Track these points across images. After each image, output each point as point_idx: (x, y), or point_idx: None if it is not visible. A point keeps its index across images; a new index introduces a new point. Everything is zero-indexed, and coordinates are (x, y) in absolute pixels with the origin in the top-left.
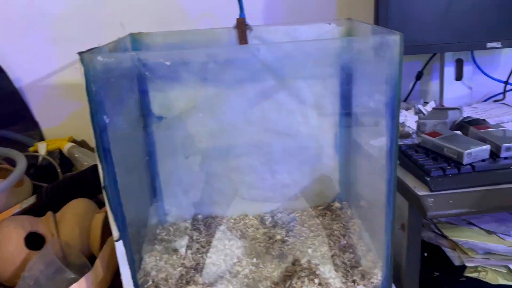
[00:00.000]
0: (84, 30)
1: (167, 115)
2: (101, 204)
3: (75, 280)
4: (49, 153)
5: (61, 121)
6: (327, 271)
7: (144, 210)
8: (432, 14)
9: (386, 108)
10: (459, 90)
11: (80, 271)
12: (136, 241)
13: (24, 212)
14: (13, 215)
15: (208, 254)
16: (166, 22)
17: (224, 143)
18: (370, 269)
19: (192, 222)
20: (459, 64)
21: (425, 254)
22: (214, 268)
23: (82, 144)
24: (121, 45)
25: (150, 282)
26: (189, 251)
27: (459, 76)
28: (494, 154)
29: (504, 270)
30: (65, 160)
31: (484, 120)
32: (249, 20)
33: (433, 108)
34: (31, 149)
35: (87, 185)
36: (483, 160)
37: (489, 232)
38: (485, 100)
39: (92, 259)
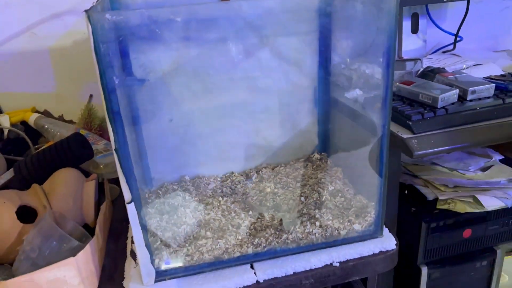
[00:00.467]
0: None
1: (149, 77)
2: (85, 174)
3: (78, 248)
4: (12, 125)
5: (20, 91)
6: (324, 214)
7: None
8: None
9: (383, 57)
10: (415, 43)
11: (78, 240)
12: None
13: (3, 187)
14: None
15: (206, 211)
16: None
17: (208, 104)
18: (362, 209)
19: (180, 184)
20: (415, 18)
21: (406, 192)
22: (216, 223)
23: (45, 114)
24: (105, 5)
25: (159, 242)
26: (187, 210)
27: (415, 29)
28: (461, 98)
29: (470, 200)
30: (31, 131)
31: (443, 68)
32: None
33: (396, 60)
34: None
35: (69, 155)
36: (453, 103)
37: (451, 169)
38: (435, 51)
39: (84, 227)
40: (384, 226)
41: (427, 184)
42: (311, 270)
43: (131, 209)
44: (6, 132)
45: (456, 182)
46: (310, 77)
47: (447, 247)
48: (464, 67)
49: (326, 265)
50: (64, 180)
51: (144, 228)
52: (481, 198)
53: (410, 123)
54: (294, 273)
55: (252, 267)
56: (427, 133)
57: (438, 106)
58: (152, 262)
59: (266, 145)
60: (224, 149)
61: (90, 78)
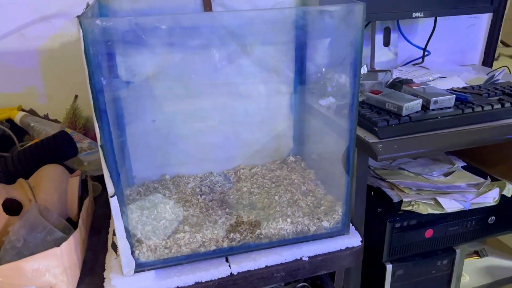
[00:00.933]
0: None
1: (134, 80)
2: (69, 170)
3: (62, 239)
4: None
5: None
6: (295, 211)
7: None
8: None
9: (350, 68)
10: (387, 55)
11: (62, 232)
12: None
13: None
14: None
15: (185, 208)
16: None
17: (190, 107)
18: (331, 208)
19: (161, 182)
20: (387, 31)
21: (372, 193)
22: (194, 219)
23: (31, 113)
24: (94, 11)
25: (139, 235)
26: (167, 206)
27: (386, 43)
28: (425, 107)
29: (432, 202)
30: (16, 129)
31: (411, 79)
32: None
33: (368, 71)
34: None
35: (55, 152)
36: (416, 112)
37: (416, 174)
38: (406, 64)
39: (67, 221)
40: (351, 224)
41: (393, 187)
42: (282, 263)
43: (114, 202)
44: None
45: (419, 186)
46: (286, 84)
47: (410, 246)
48: (430, 79)
49: (296, 259)
50: (49, 175)
51: (126, 221)
52: (442, 200)
53: (376, 129)
54: (266, 266)
55: (227, 260)
56: (391, 138)
57: (403, 114)
58: (132, 253)
59: (244, 147)
60: (204, 150)
61: (76, 79)
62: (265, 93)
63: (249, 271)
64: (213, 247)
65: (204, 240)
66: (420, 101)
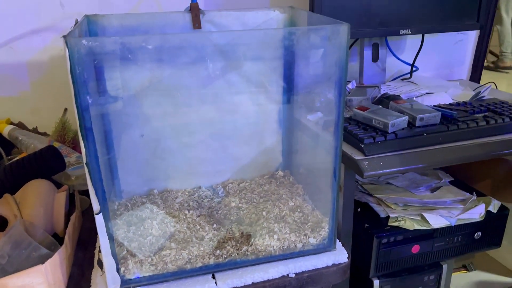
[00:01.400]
0: (22, 8)
1: (122, 95)
2: (57, 185)
3: (47, 256)
4: None
5: None
6: (282, 228)
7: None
8: (357, 5)
9: (335, 86)
10: (375, 70)
11: (47, 249)
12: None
13: None
14: None
15: (172, 224)
16: (107, 2)
17: (179, 121)
18: (317, 224)
19: (149, 197)
20: (375, 47)
21: (358, 209)
22: (181, 235)
23: (20, 126)
24: (82, 28)
25: (125, 251)
26: (154, 222)
27: (375, 58)
28: (411, 124)
29: (418, 218)
30: (4, 142)
31: (398, 95)
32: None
33: (356, 86)
34: None
35: (42, 166)
36: (402, 129)
37: (403, 189)
38: (394, 79)
39: (53, 236)
40: (337, 240)
41: (380, 203)
42: (268, 280)
43: (99, 219)
44: None
45: (406, 201)
46: (275, 99)
47: (397, 261)
48: (418, 95)
49: (283, 276)
50: (36, 191)
51: (111, 237)
52: (428, 216)
53: (363, 145)
54: (253, 283)
55: (213, 277)
56: (377, 155)
57: (389, 131)
58: (118, 270)
59: (233, 162)
60: (193, 164)
61: (65, 92)
62: (253, 108)
63: None
64: (200, 264)
65: (190, 257)
66: (406, 118)
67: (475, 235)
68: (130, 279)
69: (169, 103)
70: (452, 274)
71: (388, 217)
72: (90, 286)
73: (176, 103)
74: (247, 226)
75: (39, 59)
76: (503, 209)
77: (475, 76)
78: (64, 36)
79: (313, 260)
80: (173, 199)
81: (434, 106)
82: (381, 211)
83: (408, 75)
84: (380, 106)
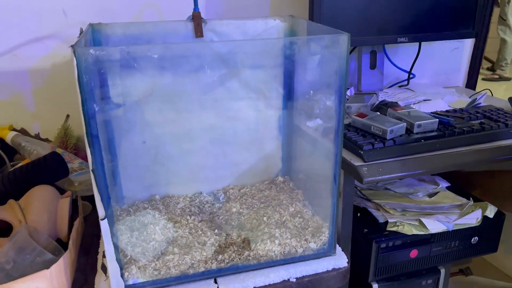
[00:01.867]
0: (26, 16)
1: (125, 102)
2: (60, 191)
3: (51, 261)
4: None
5: None
6: (283, 233)
7: None
8: (355, 14)
9: (335, 94)
10: (373, 77)
11: (51, 254)
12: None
13: None
14: None
15: (174, 229)
16: (110, 10)
17: (180, 128)
18: (318, 229)
19: (150, 203)
20: (373, 55)
21: (358, 214)
22: (183, 240)
23: (22, 132)
24: (87, 36)
25: (129, 257)
26: (156, 227)
27: (373, 66)
28: (409, 130)
29: (416, 223)
30: (7, 148)
31: (396, 102)
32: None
33: (355, 93)
34: None
35: (46, 173)
36: (400, 135)
37: (401, 194)
38: (392, 85)
39: (57, 241)
40: (337, 245)
41: (379, 208)
42: (269, 285)
43: (104, 225)
44: None
45: (404, 207)
46: (275, 106)
47: (395, 266)
48: (415, 102)
49: (284, 281)
50: (40, 197)
51: (116, 243)
52: (426, 221)
53: (362, 152)
54: (254, 287)
55: (215, 281)
56: (376, 161)
57: (387, 138)
58: (122, 275)
59: (234, 168)
60: (194, 170)
61: (67, 98)
62: (254, 115)
63: None
64: (202, 269)
65: (193, 261)
66: (404, 124)
67: (472, 240)
68: (134, 284)
69: (171, 109)
70: (450, 278)
71: (386, 222)
72: None
73: (178, 109)
74: (248, 231)
75: (41, 66)
76: (499, 215)
77: (471, 83)
78: (72, 46)
79: (313, 265)
80: (175, 204)
81: (431, 113)
82: (380, 216)
83: (406, 82)
84: (379, 113)
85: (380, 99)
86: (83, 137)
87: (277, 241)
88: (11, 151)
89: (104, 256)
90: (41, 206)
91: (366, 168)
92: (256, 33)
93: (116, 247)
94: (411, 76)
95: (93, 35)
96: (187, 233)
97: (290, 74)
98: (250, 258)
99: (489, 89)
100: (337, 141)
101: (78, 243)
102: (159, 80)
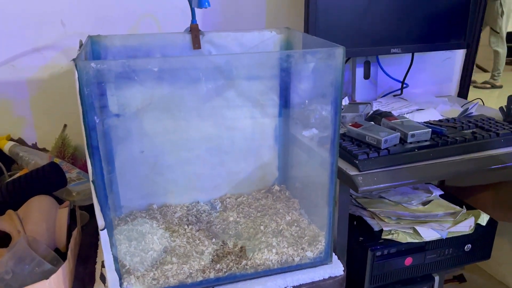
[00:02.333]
0: (24, 26)
1: (124, 113)
2: (58, 201)
3: (50, 271)
4: None
5: None
6: (280, 242)
7: None
8: (350, 26)
9: (331, 106)
10: (367, 87)
11: (50, 264)
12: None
13: None
14: None
15: (172, 238)
16: (108, 21)
17: (178, 138)
18: (314, 238)
19: (148, 212)
20: (367, 65)
21: (355, 223)
22: (181, 249)
23: (20, 142)
24: (87, 48)
25: (128, 266)
26: (154, 237)
27: (367, 76)
28: (402, 140)
29: (410, 231)
30: (4, 158)
31: (390, 112)
32: (186, 25)
33: (349, 103)
34: None
35: (45, 183)
36: (395, 145)
37: (396, 203)
38: (386, 95)
39: (55, 251)
40: (333, 254)
41: (374, 216)
42: None
43: (103, 235)
44: None
45: (399, 215)
46: (271, 115)
47: (390, 274)
48: (408, 111)
49: None
50: (39, 207)
51: (114, 253)
52: (420, 229)
53: (357, 161)
54: None
55: None
56: (371, 171)
57: (382, 147)
58: (121, 285)
59: (231, 176)
60: (191, 179)
61: (64, 108)
62: (250, 124)
63: None
64: (200, 278)
65: (191, 271)
66: (398, 134)
67: (465, 247)
68: None
69: (169, 119)
70: (444, 285)
71: (381, 230)
72: None
73: (176, 119)
74: (245, 240)
75: (39, 76)
76: (492, 222)
77: (463, 92)
78: (74, 60)
79: (310, 273)
80: (172, 214)
81: (424, 122)
82: (375, 225)
83: (399, 92)
84: (373, 123)
85: (374, 109)
86: (80, 146)
87: (274, 250)
88: (9, 161)
89: (103, 266)
90: (39, 216)
91: (361, 178)
92: (253, 44)
93: (115, 256)
94: (404, 85)
95: (92, 47)
96: (184, 242)
97: (286, 85)
98: (248, 267)
99: (480, 99)
100: (333, 151)
101: (76, 252)
102: (158, 90)
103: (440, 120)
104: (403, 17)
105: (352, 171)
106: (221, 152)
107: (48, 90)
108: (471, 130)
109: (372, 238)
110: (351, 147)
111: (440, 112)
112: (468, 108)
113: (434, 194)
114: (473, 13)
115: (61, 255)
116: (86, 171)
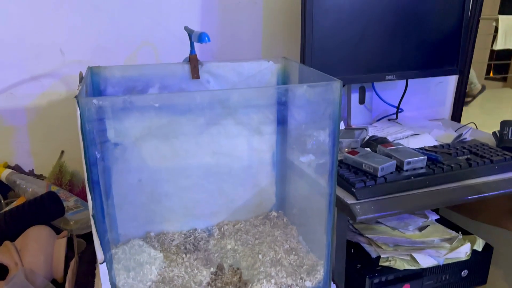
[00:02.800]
0: (23, 55)
1: (122, 142)
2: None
3: None
4: None
5: None
6: (279, 271)
7: None
8: (345, 54)
9: (329, 138)
10: (363, 112)
11: None
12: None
13: None
14: None
15: (170, 268)
16: (106, 49)
17: (176, 165)
18: (313, 267)
19: (145, 240)
20: (362, 91)
21: (352, 250)
22: (180, 280)
23: (16, 168)
24: (87, 81)
25: None
26: (152, 267)
27: (362, 101)
28: (399, 167)
29: (408, 258)
30: (0, 186)
31: (386, 138)
32: (185, 55)
33: (345, 128)
34: None
35: (42, 213)
36: (391, 173)
37: (393, 228)
38: (380, 119)
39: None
40: (332, 283)
41: (371, 243)
42: None
43: (103, 269)
44: None
45: (396, 242)
46: (269, 143)
47: None
48: (403, 136)
49: None
50: (37, 238)
51: (114, 286)
52: (417, 256)
53: (354, 190)
54: None
55: None
56: (368, 199)
57: (378, 175)
58: None
59: (228, 203)
60: (188, 207)
61: (62, 135)
62: (248, 152)
63: None
64: None
65: None
66: (394, 162)
67: (462, 273)
68: None
69: (167, 148)
70: None
71: (379, 257)
72: None
73: (174, 147)
74: (244, 270)
75: (37, 104)
76: (487, 248)
77: (456, 115)
78: (76, 97)
79: None
80: (170, 241)
81: (419, 149)
82: (372, 251)
83: (394, 116)
84: (369, 150)
85: (369, 134)
86: (77, 173)
87: (273, 281)
88: (5, 188)
89: None
90: (37, 248)
91: (359, 206)
92: (251, 74)
93: None
94: (399, 110)
95: (92, 78)
96: (183, 272)
97: (283, 114)
98: None
99: (473, 123)
100: (331, 182)
101: (73, 282)
102: (156, 120)
103: (435, 146)
104: (397, 45)
105: (349, 200)
106: (219, 179)
107: (46, 117)
108: (465, 157)
109: (369, 265)
110: (348, 175)
111: (435, 137)
112: (462, 133)
113: (430, 219)
114: (464, 40)
115: (58, 286)
116: (84, 198)
